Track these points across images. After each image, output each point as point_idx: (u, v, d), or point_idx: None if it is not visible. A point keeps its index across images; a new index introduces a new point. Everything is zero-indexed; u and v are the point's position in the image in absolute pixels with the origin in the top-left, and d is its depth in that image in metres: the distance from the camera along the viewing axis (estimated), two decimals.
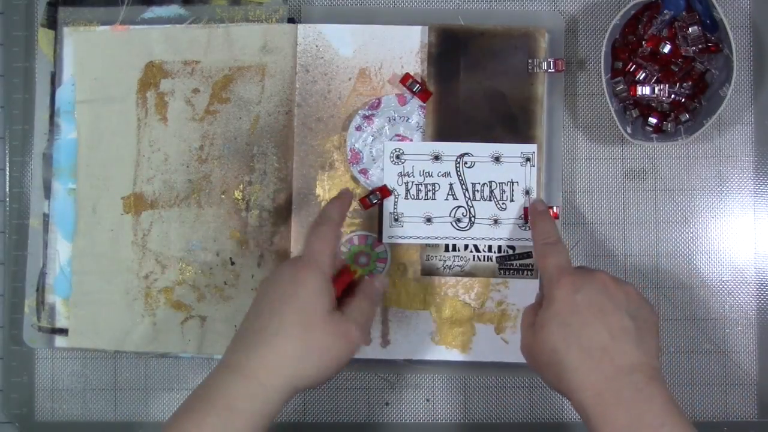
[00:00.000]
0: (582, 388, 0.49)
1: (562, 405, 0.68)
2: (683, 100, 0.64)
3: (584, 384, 0.49)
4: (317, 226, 0.56)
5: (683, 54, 0.63)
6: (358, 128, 0.66)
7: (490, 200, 0.66)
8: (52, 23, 0.68)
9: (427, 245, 0.66)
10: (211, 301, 0.67)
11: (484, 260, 0.66)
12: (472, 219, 0.66)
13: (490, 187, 0.66)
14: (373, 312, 0.57)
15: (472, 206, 0.66)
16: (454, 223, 0.66)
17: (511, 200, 0.66)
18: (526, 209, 0.65)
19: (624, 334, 0.50)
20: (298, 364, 0.51)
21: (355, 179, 0.67)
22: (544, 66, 0.65)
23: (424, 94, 0.66)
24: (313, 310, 0.52)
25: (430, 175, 0.66)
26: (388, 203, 0.66)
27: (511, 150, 0.66)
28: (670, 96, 0.64)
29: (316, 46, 0.67)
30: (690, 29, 0.63)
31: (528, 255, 0.66)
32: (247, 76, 0.67)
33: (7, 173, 0.69)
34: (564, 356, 0.50)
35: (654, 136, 0.65)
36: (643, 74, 0.64)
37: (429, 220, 0.66)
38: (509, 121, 0.66)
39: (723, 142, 0.68)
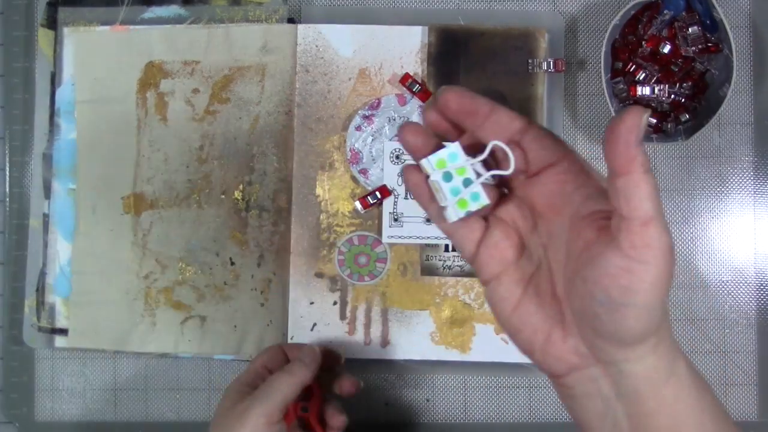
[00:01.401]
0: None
1: (562, 405, 0.68)
2: (683, 100, 0.64)
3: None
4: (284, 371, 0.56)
5: (683, 54, 0.63)
6: (358, 128, 0.66)
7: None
8: (52, 23, 0.68)
9: (427, 245, 0.66)
10: (211, 301, 0.67)
11: None
12: None
13: None
14: (293, 387, 0.55)
15: None
16: None
17: None
18: None
19: None
20: None
21: (354, 179, 0.67)
22: (544, 66, 0.65)
23: (424, 94, 0.66)
24: None
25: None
26: (388, 203, 0.66)
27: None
28: (670, 96, 0.64)
29: (316, 46, 0.67)
30: (690, 29, 0.63)
31: None
32: (247, 76, 0.67)
33: (7, 173, 0.69)
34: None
35: (654, 136, 0.65)
36: (643, 74, 0.64)
37: (429, 220, 0.66)
38: None
39: (723, 142, 0.68)
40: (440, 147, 0.35)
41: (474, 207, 0.35)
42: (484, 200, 0.35)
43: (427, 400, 0.68)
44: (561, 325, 0.36)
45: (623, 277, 0.32)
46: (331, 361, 0.61)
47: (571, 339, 0.35)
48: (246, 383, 0.56)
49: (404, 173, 0.38)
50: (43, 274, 0.68)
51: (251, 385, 0.56)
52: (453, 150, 0.34)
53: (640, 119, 0.32)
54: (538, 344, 0.36)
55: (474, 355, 0.66)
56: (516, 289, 0.36)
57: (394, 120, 0.66)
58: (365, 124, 0.66)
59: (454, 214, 0.35)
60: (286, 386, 0.54)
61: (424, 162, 0.35)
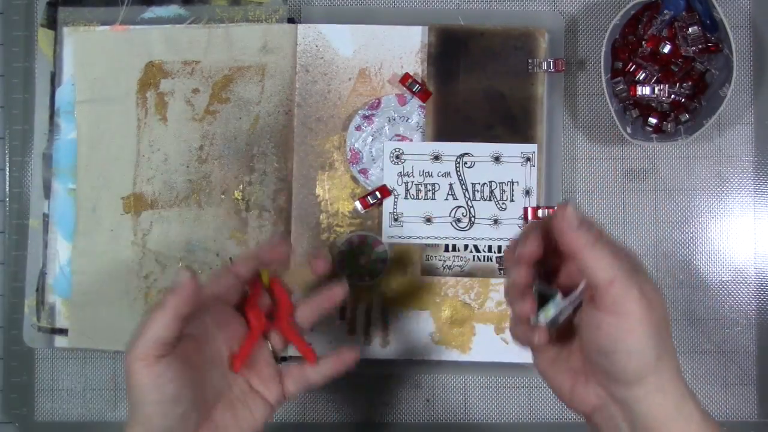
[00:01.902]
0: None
1: (562, 405, 0.68)
2: (683, 100, 0.64)
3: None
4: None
5: (683, 54, 0.63)
6: (358, 128, 0.66)
7: (490, 200, 0.66)
8: (52, 23, 0.68)
9: (427, 245, 0.66)
10: None
11: (484, 260, 0.66)
12: (472, 219, 0.66)
13: (490, 187, 0.66)
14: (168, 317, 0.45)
15: (472, 206, 0.66)
16: (454, 223, 0.66)
17: (511, 200, 0.66)
18: (525, 209, 0.65)
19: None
20: None
21: (354, 179, 0.67)
22: (544, 66, 0.65)
23: (423, 94, 0.66)
24: None
25: (430, 175, 0.66)
26: (388, 203, 0.66)
27: (511, 150, 0.66)
28: (670, 96, 0.64)
29: (316, 46, 0.67)
30: (690, 29, 0.63)
31: None
32: (247, 76, 0.67)
33: (7, 173, 0.69)
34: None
35: (654, 136, 0.65)
36: (643, 74, 0.64)
37: (429, 220, 0.66)
38: (509, 121, 0.66)
39: (723, 142, 0.68)
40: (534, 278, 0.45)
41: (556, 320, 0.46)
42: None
43: (427, 400, 0.68)
44: (583, 374, 0.45)
45: (606, 330, 0.41)
46: (274, 257, 0.52)
47: (591, 384, 0.44)
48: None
49: (515, 327, 0.47)
50: (43, 274, 0.68)
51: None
52: (557, 301, 0.45)
53: (569, 211, 0.41)
54: (566, 390, 0.46)
55: (474, 355, 0.66)
56: (551, 353, 0.47)
57: (394, 120, 0.67)
58: (365, 124, 0.66)
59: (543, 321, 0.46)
60: (154, 322, 0.44)
61: (540, 318, 0.45)
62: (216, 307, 0.50)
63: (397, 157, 0.66)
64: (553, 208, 0.65)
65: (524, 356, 0.66)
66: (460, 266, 0.66)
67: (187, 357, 0.46)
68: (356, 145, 0.66)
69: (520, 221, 0.66)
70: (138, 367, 0.43)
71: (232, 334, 0.50)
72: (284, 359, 0.65)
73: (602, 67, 0.63)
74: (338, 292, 0.53)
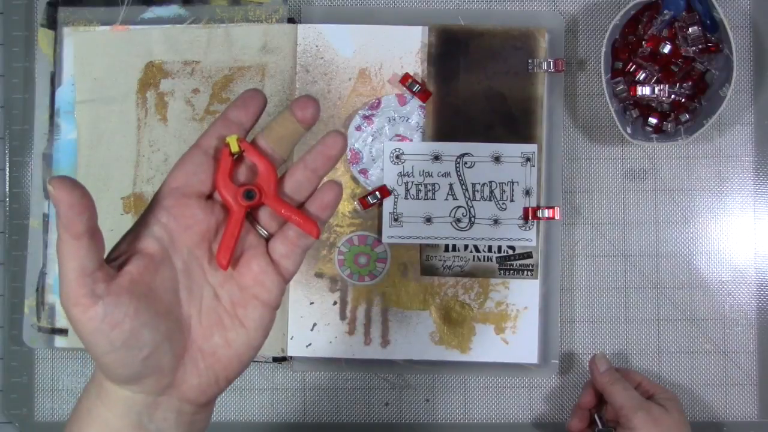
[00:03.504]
0: None
1: (562, 405, 0.68)
2: (683, 100, 0.64)
3: None
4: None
5: (683, 54, 0.63)
6: (358, 128, 0.66)
7: (490, 200, 0.66)
8: (52, 23, 0.68)
9: (427, 245, 0.66)
10: None
11: (484, 260, 0.66)
12: (472, 219, 0.66)
13: (490, 187, 0.66)
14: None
15: (472, 206, 0.66)
16: (454, 223, 0.66)
17: (511, 200, 0.66)
18: (525, 209, 0.65)
19: None
20: None
21: (355, 179, 0.67)
22: (544, 66, 0.65)
23: (423, 94, 0.66)
24: None
25: (430, 175, 0.66)
26: (388, 203, 0.66)
27: (511, 150, 0.66)
28: (670, 96, 0.64)
29: (316, 46, 0.67)
30: (690, 29, 0.63)
31: (528, 255, 0.66)
32: (247, 76, 0.67)
33: (7, 173, 0.69)
34: None
35: (654, 136, 0.65)
36: (643, 74, 0.64)
37: (429, 220, 0.66)
38: (509, 121, 0.66)
39: (723, 142, 0.68)
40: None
41: None
42: None
43: (427, 400, 0.68)
44: None
45: None
46: (249, 108, 0.41)
47: None
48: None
49: None
50: (43, 274, 0.68)
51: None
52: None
53: (598, 357, 0.64)
54: None
55: (474, 355, 0.66)
56: None
57: (394, 120, 0.66)
58: (365, 124, 0.66)
59: None
60: (62, 256, 0.36)
61: None
62: (179, 201, 0.39)
63: (397, 157, 0.66)
64: (553, 208, 0.65)
65: (524, 356, 0.66)
66: (460, 266, 0.66)
67: (139, 284, 0.36)
68: (356, 146, 0.66)
69: (520, 221, 0.66)
70: (75, 314, 0.35)
71: (206, 228, 0.39)
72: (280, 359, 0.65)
73: (602, 67, 0.63)
74: (336, 140, 0.41)
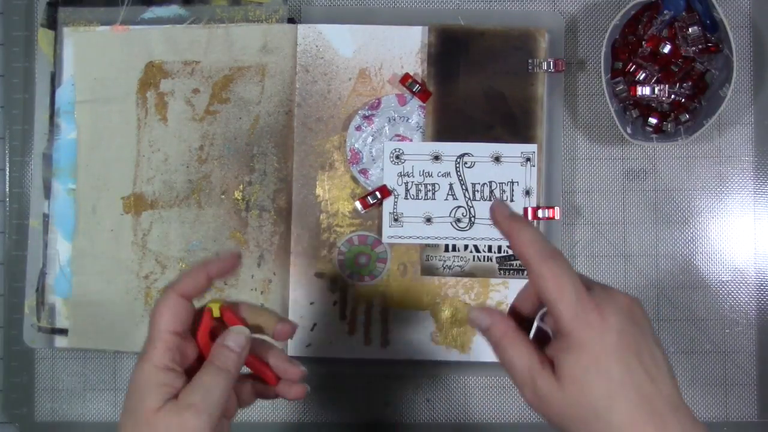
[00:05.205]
0: None
1: None
2: (683, 100, 0.64)
3: None
4: (161, 295, 0.47)
5: (683, 54, 0.63)
6: (358, 128, 0.66)
7: (490, 200, 0.66)
8: (52, 23, 0.68)
9: (427, 245, 0.66)
10: None
11: (484, 260, 0.66)
12: (472, 219, 0.66)
13: (490, 187, 0.66)
14: (226, 382, 0.45)
15: (472, 206, 0.66)
16: (454, 223, 0.66)
17: (511, 200, 0.66)
18: (525, 209, 0.65)
19: (659, 369, 0.41)
20: None
21: (355, 179, 0.67)
22: (544, 66, 0.65)
23: (423, 94, 0.66)
24: (139, 410, 0.44)
25: (430, 175, 0.66)
26: (388, 203, 0.66)
27: (511, 150, 0.66)
28: (670, 96, 0.64)
29: (316, 46, 0.67)
30: (690, 29, 0.63)
31: None
32: (247, 76, 0.67)
33: (7, 173, 0.69)
34: (610, 414, 0.40)
35: (654, 136, 0.65)
36: (643, 74, 0.64)
37: (429, 220, 0.66)
38: (509, 121, 0.66)
39: (723, 142, 0.68)
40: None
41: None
42: None
43: (427, 400, 0.68)
44: None
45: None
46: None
47: None
48: (162, 366, 0.44)
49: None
50: (43, 274, 0.68)
51: (169, 369, 0.45)
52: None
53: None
54: None
55: (474, 355, 0.66)
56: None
57: (394, 120, 0.67)
58: (365, 124, 0.66)
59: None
60: (217, 389, 0.44)
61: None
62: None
63: (397, 157, 0.66)
64: (553, 208, 0.65)
65: None
66: (460, 266, 0.66)
67: None
68: (356, 145, 0.66)
69: None
70: (143, 362, 0.44)
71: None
72: None
73: (602, 67, 0.63)
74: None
